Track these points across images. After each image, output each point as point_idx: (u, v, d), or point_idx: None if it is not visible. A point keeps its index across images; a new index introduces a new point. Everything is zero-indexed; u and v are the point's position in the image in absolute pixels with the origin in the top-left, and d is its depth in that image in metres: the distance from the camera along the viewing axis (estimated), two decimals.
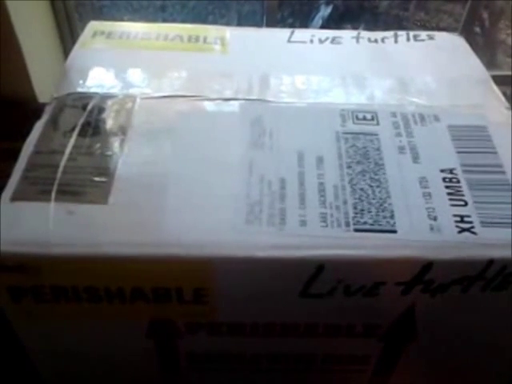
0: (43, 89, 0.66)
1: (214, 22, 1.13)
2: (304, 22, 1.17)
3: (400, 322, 0.30)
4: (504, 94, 0.37)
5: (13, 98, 0.61)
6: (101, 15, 1.08)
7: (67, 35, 0.78)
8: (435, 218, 0.28)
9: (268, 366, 0.34)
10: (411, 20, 1.29)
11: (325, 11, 1.18)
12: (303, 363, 0.34)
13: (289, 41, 0.41)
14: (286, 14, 1.15)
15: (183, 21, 1.14)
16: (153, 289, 0.28)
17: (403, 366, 0.33)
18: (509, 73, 0.88)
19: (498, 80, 0.38)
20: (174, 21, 1.12)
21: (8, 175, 0.30)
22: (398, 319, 0.30)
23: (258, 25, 1.10)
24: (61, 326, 0.30)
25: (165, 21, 1.12)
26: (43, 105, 0.34)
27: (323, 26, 1.17)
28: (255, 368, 0.34)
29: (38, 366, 0.33)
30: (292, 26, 1.17)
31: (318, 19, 1.18)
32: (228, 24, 1.13)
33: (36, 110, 0.34)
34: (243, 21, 1.14)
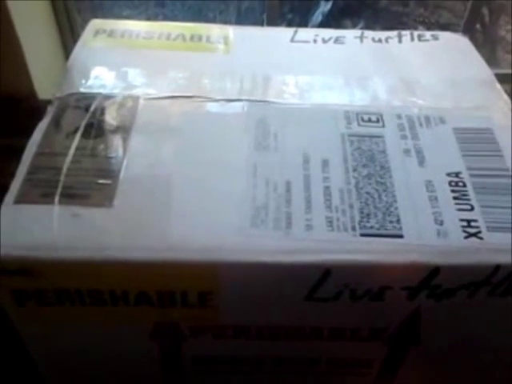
0: (43, 85, 0.66)
1: (214, 19, 1.12)
2: (304, 17, 1.17)
3: (405, 326, 0.30)
4: (505, 91, 0.37)
5: (12, 95, 0.61)
6: (100, 10, 1.07)
7: (66, 30, 0.77)
8: (442, 223, 0.28)
9: (272, 369, 0.33)
10: (411, 16, 1.28)
11: (325, 7, 1.17)
12: (308, 366, 0.33)
13: (292, 40, 0.41)
14: (285, 9, 1.15)
15: (183, 17, 1.13)
16: (157, 292, 0.28)
17: (407, 369, 0.33)
18: (509, 71, 0.88)
19: (498, 78, 0.38)
20: (173, 17, 1.12)
21: (8, 172, 0.29)
22: (403, 323, 0.30)
23: (258, 21, 1.10)
24: (65, 329, 0.30)
25: (165, 17, 1.11)
26: (43, 101, 0.34)
27: (323, 22, 1.17)
28: (259, 371, 0.34)
29: (40, 367, 0.33)
30: (292, 21, 1.16)
31: (318, 15, 1.17)
32: (227, 20, 1.13)
33: (36, 107, 0.34)
34: (243, 17, 1.13)
